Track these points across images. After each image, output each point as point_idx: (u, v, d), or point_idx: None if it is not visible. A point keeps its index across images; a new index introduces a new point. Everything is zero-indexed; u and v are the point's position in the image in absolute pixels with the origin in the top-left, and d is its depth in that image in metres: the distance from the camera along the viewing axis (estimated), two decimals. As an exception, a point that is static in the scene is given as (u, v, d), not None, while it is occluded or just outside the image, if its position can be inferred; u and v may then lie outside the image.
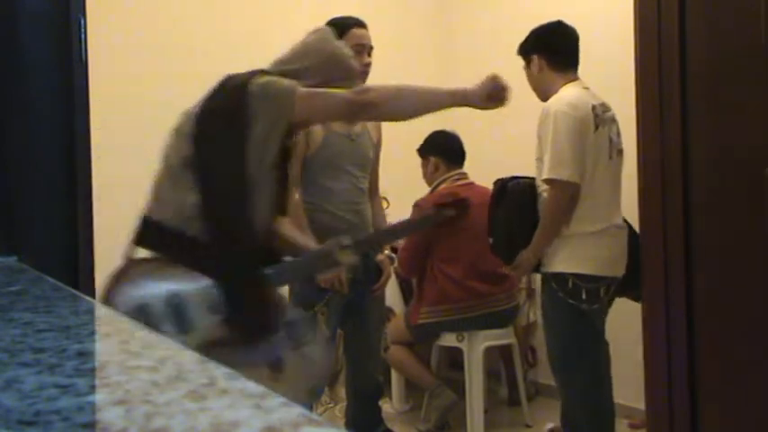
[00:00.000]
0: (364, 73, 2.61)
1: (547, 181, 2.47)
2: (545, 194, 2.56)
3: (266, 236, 1.83)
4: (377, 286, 2.70)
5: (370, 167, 2.73)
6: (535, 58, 2.63)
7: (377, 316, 2.78)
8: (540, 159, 2.56)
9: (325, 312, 2.54)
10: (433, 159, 3.33)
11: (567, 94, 2.55)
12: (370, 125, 2.74)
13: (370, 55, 2.62)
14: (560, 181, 2.44)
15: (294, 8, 4.09)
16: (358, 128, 2.67)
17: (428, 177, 3.37)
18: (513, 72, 2.99)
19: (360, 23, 2.64)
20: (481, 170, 3.60)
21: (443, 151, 3.35)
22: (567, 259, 2.50)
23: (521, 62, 2.79)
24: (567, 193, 2.46)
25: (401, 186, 3.73)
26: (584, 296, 2.48)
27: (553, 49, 2.64)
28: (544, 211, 2.52)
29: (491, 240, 2.70)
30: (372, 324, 2.75)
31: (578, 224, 2.50)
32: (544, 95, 2.64)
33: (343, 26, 2.61)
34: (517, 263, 2.61)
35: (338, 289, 2.53)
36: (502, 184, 2.69)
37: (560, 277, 2.51)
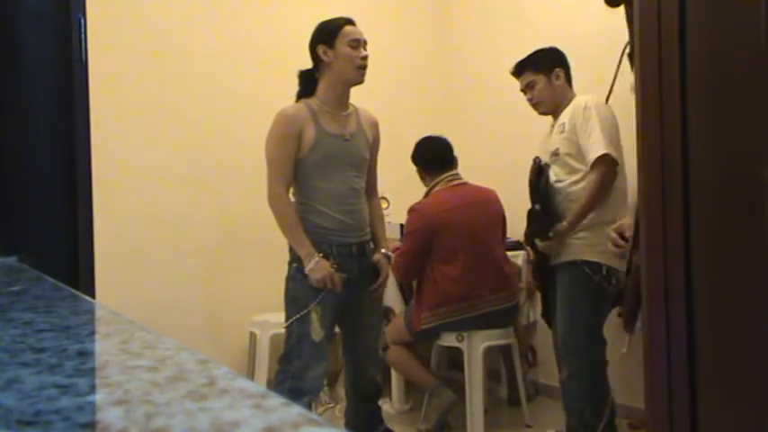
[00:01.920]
0: (364, 67, 2.62)
1: (601, 157, 2.66)
2: (572, 189, 2.76)
3: None
4: (375, 286, 2.70)
5: (366, 167, 2.72)
6: (559, 70, 2.92)
7: (374, 316, 2.78)
8: (569, 154, 2.78)
9: (318, 312, 2.54)
10: (417, 168, 3.39)
11: (589, 97, 2.81)
12: (366, 124, 2.74)
13: (365, 48, 2.64)
14: (612, 158, 2.67)
15: (291, 11, 4.09)
16: (353, 128, 2.67)
17: (424, 183, 3.40)
18: (509, 73, 3.01)
19: (350, 21, 2.66)
20: (477, 170, 3.61)
21: (423, 160, 3.38)
22: (604, 252, 2.70)
23: (516, 63, 3.01)
24: (614, 171, 2.70)
25: (401, 186, 3.73)
26: (614, 281, 2.74)
27: (568, 64, 2.97)
28: (591, 187, 2.70)
29: (538, 207, 2.84)
30: (370, 324, 2.75)
31: (607, 211, 2.73)
32: (555, 106, 2.91)
33: (334, 26, 2.63)
34: (554, 233, 2.76)
35: (331, 288, 2.53)
36: (540, 162, 2.89)
37: (595, 265, 2.72)
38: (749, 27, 1.81)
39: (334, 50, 2.60)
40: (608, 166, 2.67)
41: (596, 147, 2.66)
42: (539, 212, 2.83)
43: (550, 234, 2.76)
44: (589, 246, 2.72)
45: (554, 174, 2.82)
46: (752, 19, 1.80)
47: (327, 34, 2.62)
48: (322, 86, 2.66)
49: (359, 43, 2.62)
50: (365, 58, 2.63)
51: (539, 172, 2.84)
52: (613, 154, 2.66)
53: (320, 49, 2.62)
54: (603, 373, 2.80)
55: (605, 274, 2.71)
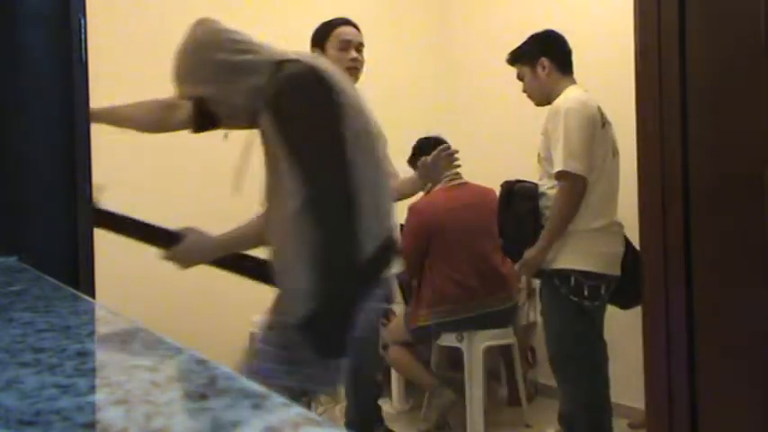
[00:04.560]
0: (353, 68, 2.59)
1: (559, 174, 2.52)
2: (549, 192, 2.62)
3: None
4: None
5: None
6: (544, 60, 2.72)
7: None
8: (546, 159, 2.63)
9: None
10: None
11: (575, 94, 2.64)
12: None
13: (359, 51, 2.61)
14: (573, 174, 2.50)
15: (293, 11, 4.09)
16: None
17: None
18: (511, 73, 3.00)
19: (345, 21, 2.64)
20: (476, 169, 3.60)
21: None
22: (570, 256, 2.55)
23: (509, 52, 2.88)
24: (578, 187, 2.52)
25: (401, 186, 3.74)
26: (586, 293, 2.54)
27: (560, 52, 2.75)
28: (555, 205, 2.55)
29: (501, 241, 2.74)
30: (368, 323, 2.75)
31: (582, 220, 2.56)
32: (547, 98, 2.73)
33: (326, 28, 2.63)
34: (524, 261, 2.63)
35: None
36: (509, 187, 2.74)
37: (563, 274, 2.55)
38: (749, 27, 1.81)
39: (325, 53, 2.61)
40: (568, 182, 2.52)
41: (556, 161, 2.53)
42: (504, 248, 2.76)
43: (516, 267, 2.69)
44: (561, 253, 2.57)
45: (538, 175, 2.73)
46: (752, 19, 1.79)
47: (320, 37, 2.64)
48: None
49: (348, 45, 2.59)
50: (354, 59, 2.57)
51: (506, 200, 2.73)
52: (572, 169, 2.50)
53: (314, 53, 2.64)
54: (595, 381, 2.68)
55: (573, 285, 2.54)
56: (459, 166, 2.68)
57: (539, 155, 2.72)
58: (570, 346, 2.63)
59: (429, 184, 3.33)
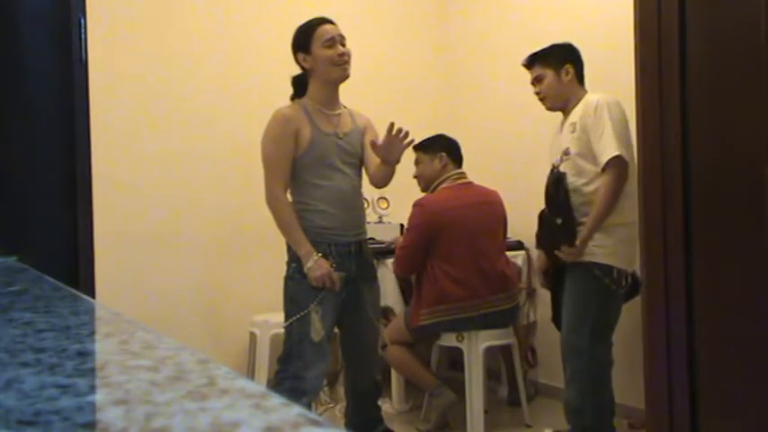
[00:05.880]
0: (342, 63, 2.60)
1: (612, 160, 2.60)
2: (584, 189, 2.70)
3: None
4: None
5: (362, 165, 2.74)
6: (569, 67, 2.85)
7: (373, 314, 2.78)
8: (579, 154, 2.71)
9: (318, 311, 2.54)
10: (443, 155, 3.35)
11: (601, 94, 2.75)
12: (359, 121, 2.74)
13: (343, 44, 2.62)
14: (623, 159, 2.61)
15: (290, 11, 4.08)
16: (346, 127, 2.69)
17: (432, 174, 3.37)
18: (511, 74, 3.01)
19: (322, 21, 2.65)
20: (477, 170, 3.60)
21: (451, 150, 3.38)
22: (614, 254, 2.67)
23: (517, 66, 2.97)
24: (625, 174, 2.63)
25: (401, 186, 3.74)
26: (624, 283, 2.69)
27: (580, 62, 2.90)
28: (606, 191, 2.63)
29: (559, 221, 2.77)
30: (369, 323, 2.75)
31: (626, 211, 2.66)
32: (563, 103, 2.86)
33: (307, 31, 2.64)
34: (580, 241, 2.69)
35: (330, 287, 2.54)
36: (558, 171, 2.81)
37: (605, 267, 2.66)
38: (749, 26, 1.81)
39: (311, 55, 2.61)
40: (620, 168, 2.61)
41: (608, 149, 2.60)
42: (560, 226, 2.76)
43: (577, 242, 2.68)
44: (600, 247, 2.66)
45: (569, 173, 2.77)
46: (752, 18, 1.80)
47: (302, 41, 2.64)
48: (312, 88, 2.67)
49: (334, 41, 2.60)
50: (343, 54, 2.59)
51: (556, 182, 2.75)
52: (625, 155, 2.60)
53: (300, 58, 2.64)
54: (606, 376, 2.75)
55: (616, 277, 2.65)
56: (412, 141, 2.57)
57: (567, 151, 2.77)
58: (597, 331, 2.70)
59: (433, 184, 3.34)
